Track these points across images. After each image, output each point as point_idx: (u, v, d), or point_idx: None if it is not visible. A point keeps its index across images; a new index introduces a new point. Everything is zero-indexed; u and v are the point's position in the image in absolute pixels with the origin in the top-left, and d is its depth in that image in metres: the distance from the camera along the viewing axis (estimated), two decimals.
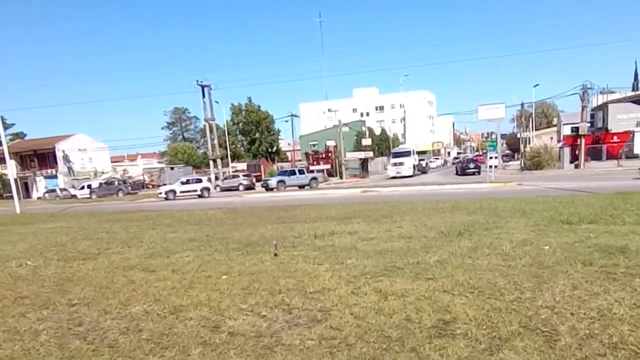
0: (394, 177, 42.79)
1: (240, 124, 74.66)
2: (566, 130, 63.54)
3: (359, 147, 57.75)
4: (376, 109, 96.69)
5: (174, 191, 34.96)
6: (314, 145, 65.94)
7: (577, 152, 37.71)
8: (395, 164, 45.53)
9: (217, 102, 48.17)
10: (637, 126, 40.46)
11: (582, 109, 36.91)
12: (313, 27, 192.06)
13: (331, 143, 53.44)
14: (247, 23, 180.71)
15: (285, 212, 15.77)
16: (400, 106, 77.12)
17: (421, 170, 50.65)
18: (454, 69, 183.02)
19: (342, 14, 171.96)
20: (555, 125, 74.37)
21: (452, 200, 16.12)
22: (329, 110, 60.46)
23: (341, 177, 50.06)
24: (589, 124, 45.12)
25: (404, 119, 64.49)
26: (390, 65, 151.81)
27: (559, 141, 52.77)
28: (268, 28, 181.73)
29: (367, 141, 55.76)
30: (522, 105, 49.94)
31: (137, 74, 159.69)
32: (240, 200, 27.53)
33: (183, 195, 34.73)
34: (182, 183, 35.87)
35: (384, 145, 67.63)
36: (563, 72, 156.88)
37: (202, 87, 44.80)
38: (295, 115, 53.12)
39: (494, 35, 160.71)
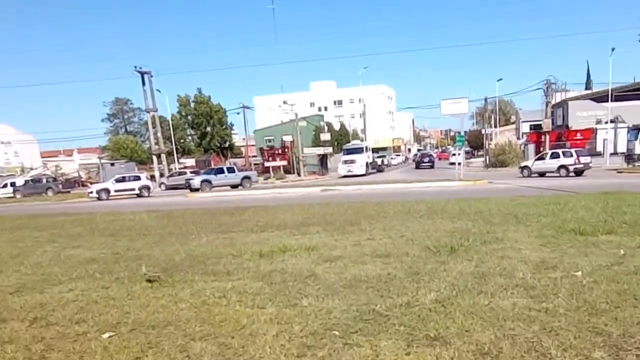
0: (345, 176, 39.12)
1: (190, 117, 70.02)
2: (525, 128, 63.86)
3: (317, 143, 55.43)
4: (334, 103, 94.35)
5: (107, 190, 31.29)
6: (269, 140, 63.13)
7: (541, 149, 36.86)
8: (346, 162, 41.57)
9: (158, 91, 44.00)
10: (597, 123, 40.26)
11: (546, 105, 36.03)
12: (266, 14, 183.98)
13: (288, 138, 50.84)
14: (194, 10, 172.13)
15: (231, 217, 13.25)
16: (359, 101, 75.09)
17: (376, 168, 46.21)
18: (412, 64, 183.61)
19: (297, 2, 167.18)
20: (513, 123, 74.82)
21: (424, 201, 14.04)
22: (284, 102, 57.36)
23: (299, 174, 47.69)
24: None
25: (363, 113, 62.49)
26: (348, 54, 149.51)
27: (518, 138, 52.48)
28: (217, 15, 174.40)
29: (325, 136, 53.67)
30: (485, 100, 48.86)
31: (73, 60, 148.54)
32: (183, 201, 24.63)
33: (119, 195, 31.20)
34: (117, 181, 32.13)
35: (344, 141, 65.22)
36: (520, 70, 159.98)
37: (142, 74, 40.84)
38: (248, 107, 49.79)
39: (453, 28, 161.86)
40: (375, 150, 71.53)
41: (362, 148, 42.81)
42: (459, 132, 26.96)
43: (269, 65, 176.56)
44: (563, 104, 44.92)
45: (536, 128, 54.48)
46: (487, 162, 40.85)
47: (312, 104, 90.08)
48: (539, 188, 18.57)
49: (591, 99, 45.06)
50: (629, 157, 27.87)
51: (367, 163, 41.52)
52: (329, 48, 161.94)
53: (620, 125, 35.46)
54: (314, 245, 7.72)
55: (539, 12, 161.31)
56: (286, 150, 50.52)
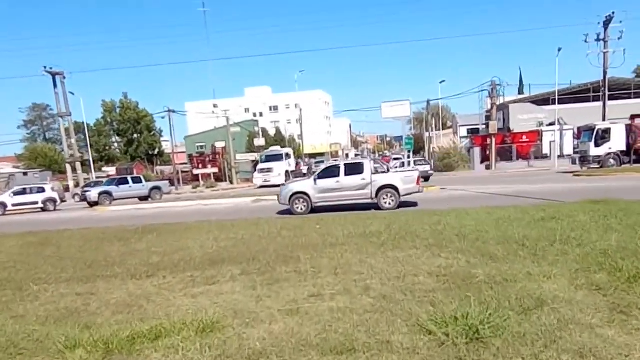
0: (262, 187, 34.33)
1: (115, 123, 64.56)
2: (462, 132, 63.51)
3: (251, 149, 51.77)
4: (270, 109, 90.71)
5: (2, 204, 26.58)
6: (201, 146, 58.69)
7: (487, 153, 35.32)
8: (262, 170, 36.16)
9: (72, 93, 38.68)
10: (539, 126, 39.53)
11: (492, 107, 34.62)
12: (196, 17, 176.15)
13: (220, 144, 46.79)
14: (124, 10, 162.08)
15: (123, 246, 9.57)
16: (296, 106, 72.01)
17: (300, 177, 41.06)
18: (348, 69, 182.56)
19: (228, 5, 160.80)
20: (450, 127, 74.61)
21: (379, 216, 10.98)
22: (215, 106, 53.15)
23: (231, 182, 43.83)
24: (484, 125, 44.12)
25: (300, 119, 59.46)
26: (282, 51, 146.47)
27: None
28: (143, 18, 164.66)
29: (260, 142, 50.19)
30: (428, 102, 47.22)
31: None
32: (87, 217, 20.32)
33: (18, 210, 26.35)
34: (15, 194, 27.36)
35: (280, 147, 62.13)
36: (453, 74, 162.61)
37: (53, 75, 35.86)
38: (174, 111, 44.89)
39: (389, 29, 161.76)
40: (312, 155, 68.77)
41: (282, 155, 37.88)
42: (406, 135, 24.51)
43: (201, 65, 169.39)
44: (503, 107, 44.36)
45: (474, 132, 53.88)
46: (432, 166, 38.89)
47: (247, 110, 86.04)
48: (500, 195, 16.09)
49: (531, 102, 44.88)
50: (584, 159, 26.57)
51: (287, 172, 36.63)
52: (264, 50, 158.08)
53: (565, 127, 34.66)
54: (217, 319, 4.32)
55: (473, 14, 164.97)
56: (217, 156, 46.44)
